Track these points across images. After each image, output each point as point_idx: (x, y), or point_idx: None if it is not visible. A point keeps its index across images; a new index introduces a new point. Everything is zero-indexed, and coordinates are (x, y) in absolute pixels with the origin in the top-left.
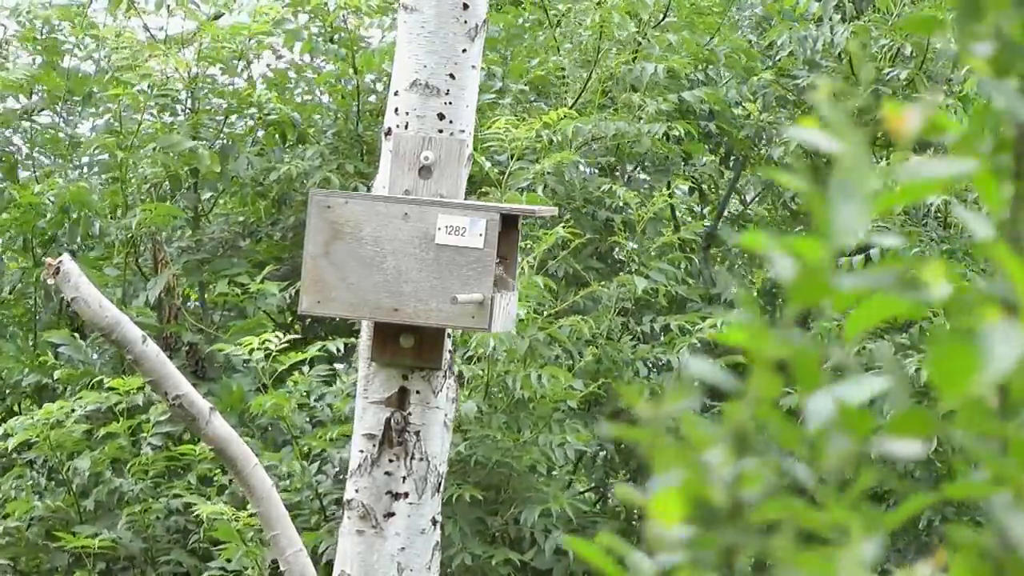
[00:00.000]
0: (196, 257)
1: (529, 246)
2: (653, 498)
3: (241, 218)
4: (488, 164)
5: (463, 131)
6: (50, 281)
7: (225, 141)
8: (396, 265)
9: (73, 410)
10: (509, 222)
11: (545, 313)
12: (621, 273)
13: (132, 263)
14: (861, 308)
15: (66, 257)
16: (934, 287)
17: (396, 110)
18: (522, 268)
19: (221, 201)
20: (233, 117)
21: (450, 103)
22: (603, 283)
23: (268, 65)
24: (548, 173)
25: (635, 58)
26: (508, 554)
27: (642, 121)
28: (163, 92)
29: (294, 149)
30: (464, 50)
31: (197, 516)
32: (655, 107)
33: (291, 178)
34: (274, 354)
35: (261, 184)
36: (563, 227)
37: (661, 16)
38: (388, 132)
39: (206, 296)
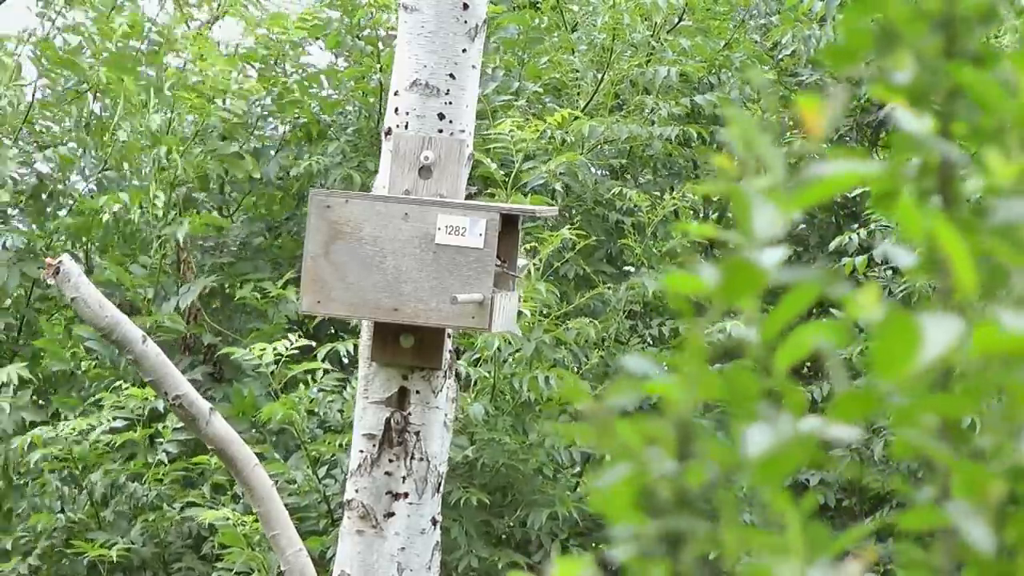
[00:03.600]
0: (220, 260)
1: (535, 248)
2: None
3: (263, 211)
4: (495, 166)
5: (463, 131)
6: (50, 281)
7: (257, 144)
8: (396, 265)
9: (99, 424)
10: (509, 222)
11: (552, 315)
12: (631, 277)
13: (166, 265)
14: (790, 341)
15: (66, 257)
16: (869, 312)
17: (396, 110)
18: (528, 271)
19: (243, 198)
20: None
21: (450, 103)
22: (611, 286)
23: (295, 67)
24: (560, 173)
25: (648, 61)
26: (514, 556)
27: (654, 124)
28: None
29: (316, 146)
30: (464, 50)
31: (211, 523)
32: (668, 111)
33: (312, 174)
34: (284, 359)
35: (281, 179)
36: (571, 229)
37: (676, 19)
38: (388, 132)
39: (229, 299)
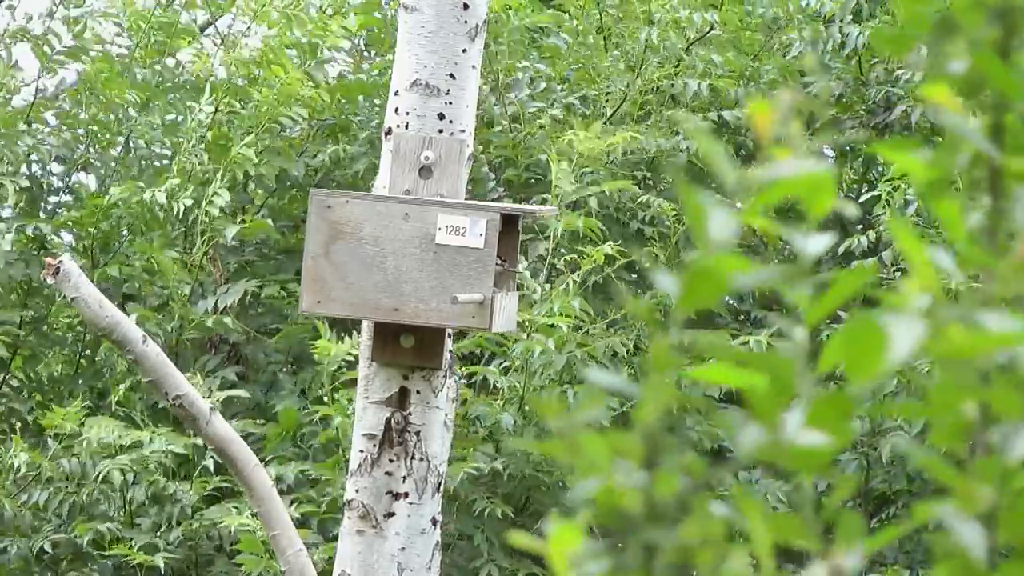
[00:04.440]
0: (243, 259)
1: (575, 261)
2: (552, 539)
3: (283, 209)
4: (571, 184)
5: (463, 131)
6: (50, 281)
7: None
8: (396, 265)
9: (156, 438)
10: (509, 222)
11: (584, 329)
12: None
13: (206, 263)
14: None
15: (66, 257)
16: (912, 300)
17: (396, 110)
18: (566, 285)
19: (267, 198)
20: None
21: (450, 103)
22: (635, 293)
23: (332, 71)
24: (588, 183)
25: (677, 71)
26: (533, 568)
27: (679, 136)
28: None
29: (341, 137)
30: (464, 50)
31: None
32: (696, 124)
33: (338, 159)
34: (342, 364)
35: (312, 171)
36: (613, 246)
37: (707, 29)
38: (388, 132)
39: (248, 298)
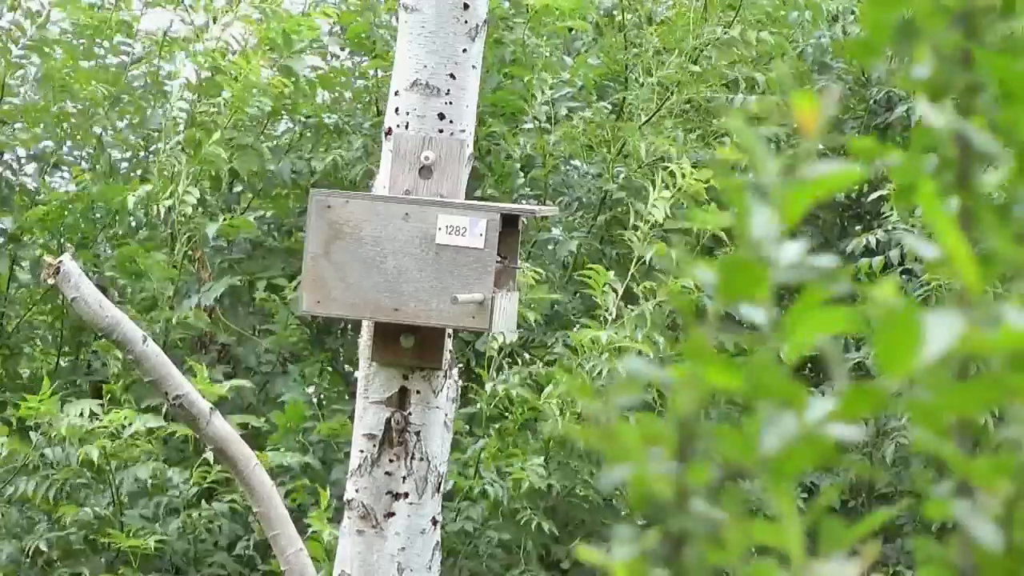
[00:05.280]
0: (230, 257)
1: (653, 289)
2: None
3: (271, 209)
4: (662, 211)
5: (463, 131)
6: (50, 281)
7: (264, 142)
8: (396, 265)
9: (133, 421)
10: (510, 222)
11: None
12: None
13: (188, 262)
14: (803, 322)
15: (66, 257)
16: (885, 304)
17: (396, 110)
18: (641, 313)
19: (253, 198)
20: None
21: (450, 103)
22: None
23: (313, 68)
24: (620, 187)
25: (694, 75)
26: None
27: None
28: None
29: (337, 140)
30: (464, 50)
31: (248, 523)
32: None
33: (336, 167)
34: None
35: (296, 174)
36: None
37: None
38: (388, 132)
39: (239, 296)
